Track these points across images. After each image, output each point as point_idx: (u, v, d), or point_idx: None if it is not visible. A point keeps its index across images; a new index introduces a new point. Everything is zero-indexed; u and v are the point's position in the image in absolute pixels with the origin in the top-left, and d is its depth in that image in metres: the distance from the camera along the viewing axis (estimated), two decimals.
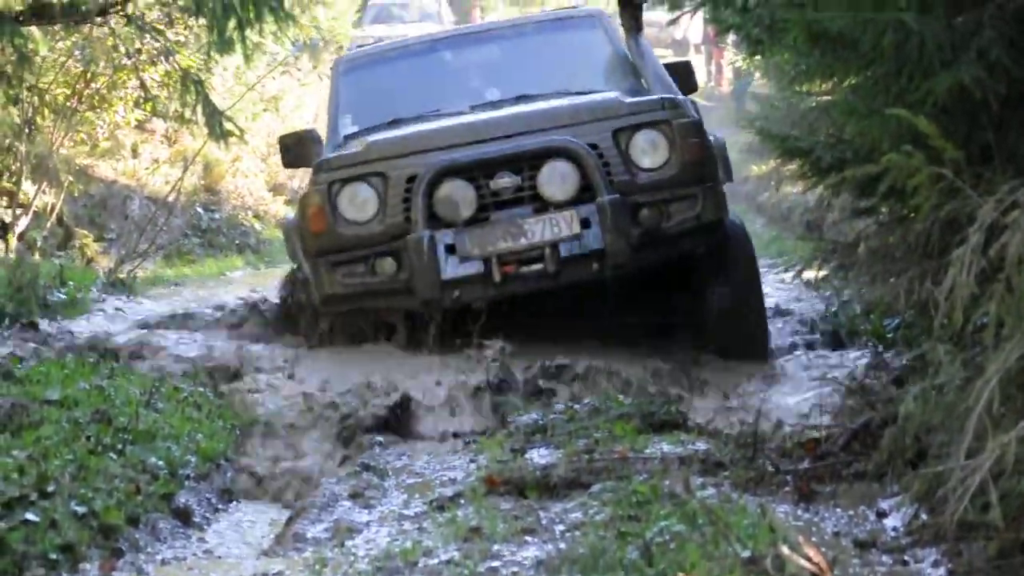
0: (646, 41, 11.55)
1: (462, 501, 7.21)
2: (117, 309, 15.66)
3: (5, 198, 18.27)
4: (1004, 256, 6.12)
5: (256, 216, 27.17)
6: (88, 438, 8.21)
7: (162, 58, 14.54)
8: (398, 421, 9.30)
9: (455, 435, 9.08)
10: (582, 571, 5.68)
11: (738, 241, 10.40)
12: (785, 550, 5.22)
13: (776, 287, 13.72)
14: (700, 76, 16.63)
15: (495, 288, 9.77)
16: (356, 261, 9.97)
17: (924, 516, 6.35)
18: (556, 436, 8.40)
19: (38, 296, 14.65)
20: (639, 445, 7.88)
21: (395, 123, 11.11)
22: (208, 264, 23.17)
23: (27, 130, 15.84)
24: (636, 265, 9.82)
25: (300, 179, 24.16)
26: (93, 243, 21.24)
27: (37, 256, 18.36)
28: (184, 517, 7.37)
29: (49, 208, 19.19)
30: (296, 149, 11.34)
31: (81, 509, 6.93)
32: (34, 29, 13.41)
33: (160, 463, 7.85)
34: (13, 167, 16.92)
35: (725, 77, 44.67)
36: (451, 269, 9.74)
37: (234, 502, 8.31)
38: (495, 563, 6.23)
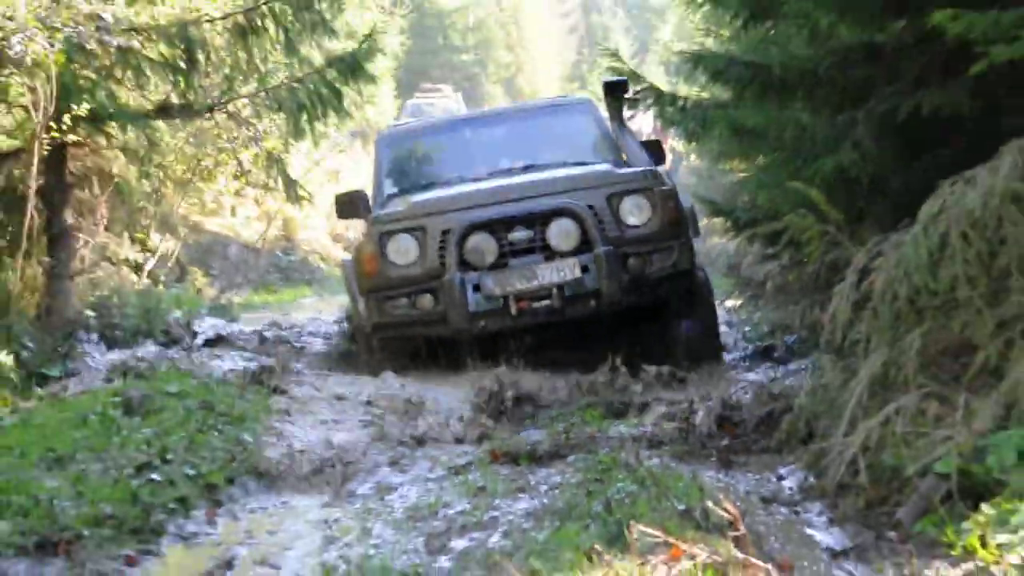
0: (627, 124, 11.39)
1: (472, 468, 7.22)
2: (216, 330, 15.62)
3: (138, 245, 18.28)
4: (871, 291, 6.17)
5: (321, 258, 27.36)
6: (196, 421, 8.23)
7: (253, 143, 14.48)
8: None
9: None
10: (560, 520, 5.67)
11: (704, 284, 10.18)
12: (710, 504, 5.26)
13: None
14: None
15: (512, 320, 9.54)
16: (401, 296, 9.75)
17: (812, 479, 6.36)
18: (541, 421, 8.48)
19: (162, 317, 14.72)
20: (603, 427, 7.91)
21: (428, 186, 10.92)
22: (285, 293, 23.30)
23: (155, 196, 15.84)
24: (625, 303, 9.61)
25: (353, 229, 24.08)
26: (202, 278, 21.31)
27: (160, 287, 18.41)
28: (266, 478, 7.37)
29: (170, 252, 19.23)
30: (348, 205, 11.15)
31: (191, 472, 6.98)
32: (160, 123, 13.42)
33: (249, 439, 7.84)
34: (144, 223, 16.93)
35: (668, 156, 44.59)
36: (477, 304, 9.52)
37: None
38: (495, 513, 6.23)
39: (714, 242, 20.36)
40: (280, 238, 26.17)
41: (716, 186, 14.96)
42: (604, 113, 11.63)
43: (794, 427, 6.79)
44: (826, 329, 6.42)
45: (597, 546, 4.79)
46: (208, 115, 13.54)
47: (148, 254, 18.52)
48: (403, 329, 9.96)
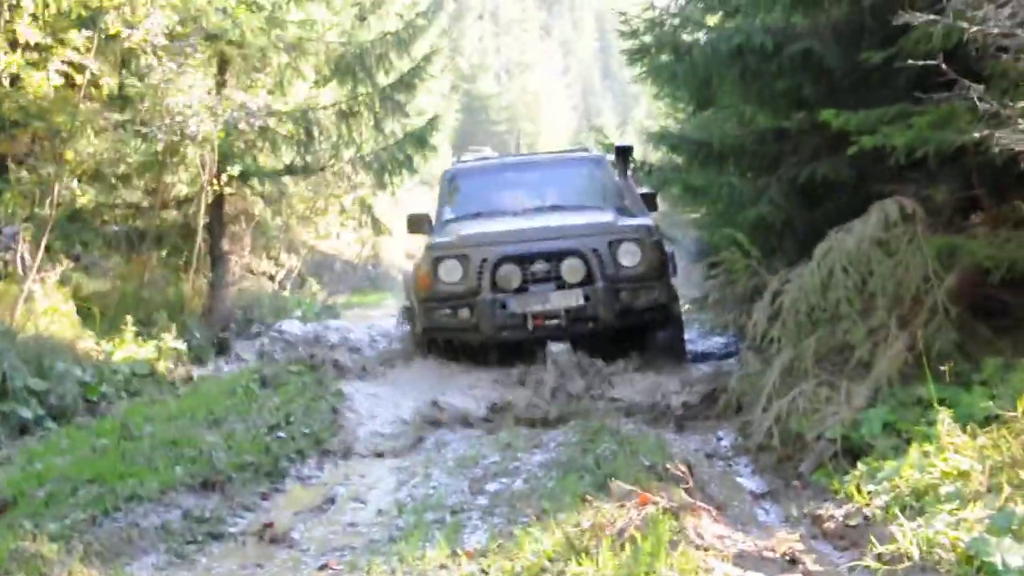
0: (631, 178, 10.64)
1: (502, 431, 7.19)
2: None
3: (272, 261, 18.27)
4: (781, 307, 6.12)
5: (398, 270, 27.26)
6: (310, 393, 8.20)
7: (352, 191, 14.50)
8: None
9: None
10: (563, 471, 5.61)
11: (676, 309, 9.50)
12: (668, 464, 5.22)
13: None
14: None
15: (528, 333, 8.94)
16: (446, 307, 9.20)
17: (740, 440, 6.33)
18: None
19: (288, 314, 14.75)
20: (594, 403, 7.80)
21: (476, 215, 10.13)
22: (373, 296, 23.24)
23: (284, 227, 15.86)
24: (617, 325, 9.02)
25: (419, 246, 24.06)
26: (316, 285, 21.26)
27: (287, 293, 18.42)
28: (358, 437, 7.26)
29: (294, 267, 19.22)
30: (415, 224, 10.61)
31: (306, 431, 6.94)
32: (287, 178, 13.46)
33: (347, 409, 7.78)
34: (276, 246, 16.94)
35: None
36: (503, 319, 8.97)
37: None
38: (518, 463, 6.20)
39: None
40: (371, 256, 26.11)
41: (676, 223, 14.73)
42: (613, 168, 10.84)
43: (728, 403, 6.74)
44: (749, 333, 6.37)
45: (588, 494, 4.76)
46: (321, 172, 13.54)
47: (279, 268, 18.54)
48: (445, 333, 9.41)
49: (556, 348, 8.31)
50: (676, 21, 8.93)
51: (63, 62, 9.12)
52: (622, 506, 4.34)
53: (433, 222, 10.45)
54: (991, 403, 4.86)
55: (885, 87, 6.84)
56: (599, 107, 75.25)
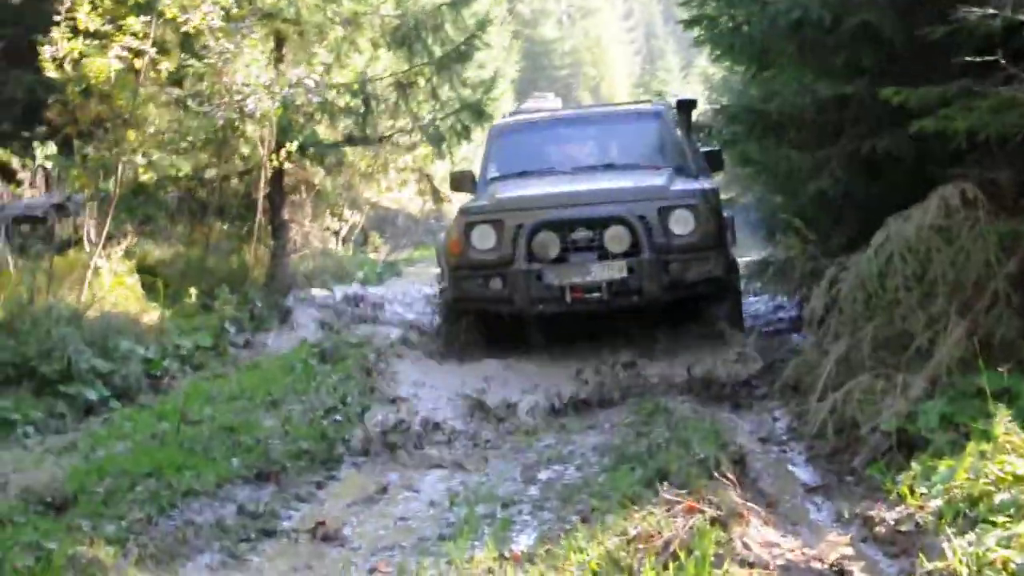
0: (693, 134, 10.02)
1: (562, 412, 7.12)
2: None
3: (336, 218, 18.32)
4: (838, 295, 6.02)
5: None
6: (368, 368, 8.26)
7: (410, 161, 14.48)
8: None
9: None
10: (616, 459, 5.59)
11: (732, 281, 8.83)
12: (721, 456, 5.17)
13: None
14: None
15: (566, 306, 8.38)
16: (478, 277, 8.56)
17: (795, 425, 6.25)
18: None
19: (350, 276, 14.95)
20: (650, 382, 7.57)
21: (522, 174, 9.49)
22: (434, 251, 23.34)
23: (346, 184, 15.79)
24: (665, 299, 8.44)
25: None
26: (378, 239, 21.37)
27: (351, 250, 18.53)
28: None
29: (357, 222, 19.30)
30: (458, 182, 10.06)
31: (361, 412, 7.01)
32: (346, 149, 13.50)
33: (402, 392, 7.77)
34: (340, 203, 16.91)
35: None
36: (538, 291, 8.36)
37: None
38: (572, 446, 6.22)
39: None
40: (433, 210, 26.07)
41: (736, 178, 14.25)
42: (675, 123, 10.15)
43: (784, 387, 6.64)
44: (805, 321, 6.29)
45: (637, 493, 4.74)
46: (379, 143, 13.55)
47: (343, 224, 18.65)
48: (476, 304, 8.78)
49: None
50: None
51: (122, 47, 9.19)
52: (669, 510, 4.33)
53: (476, 180, 9.88)
54: None
55: (947, 59, 6.64)
56: (662, 51, 74.39)
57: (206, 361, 9.21)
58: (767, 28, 7.52)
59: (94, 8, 9.19)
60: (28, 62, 11.30)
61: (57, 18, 9.25)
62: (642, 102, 11.89)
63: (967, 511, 4.12)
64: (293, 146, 11.64)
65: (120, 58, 9.25)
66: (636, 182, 8.89)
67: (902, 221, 5.83)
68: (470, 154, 19.69)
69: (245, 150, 12.38)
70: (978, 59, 4.77)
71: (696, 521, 4.03)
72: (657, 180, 8.85)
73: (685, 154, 9.53)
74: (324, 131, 13.43)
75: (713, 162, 9.67)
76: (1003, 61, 4.63)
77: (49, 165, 12.52)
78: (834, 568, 3.91)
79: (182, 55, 10.75)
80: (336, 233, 18.52)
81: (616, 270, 8.32)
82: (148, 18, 9.48)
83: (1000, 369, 5.10)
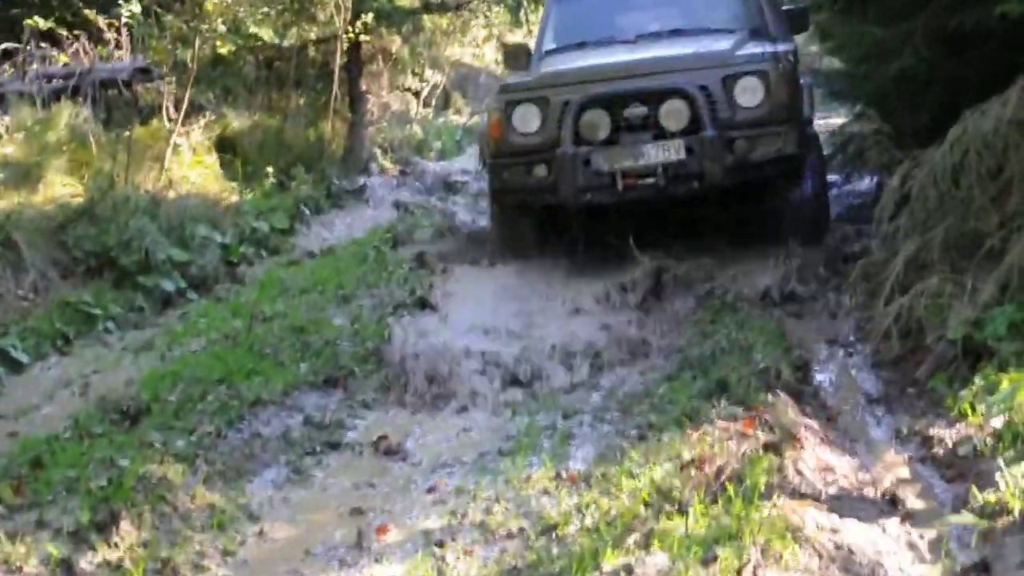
0: None
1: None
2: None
3: (416, 78, 18.12)
4: (910, 192, 5.87)
5: None
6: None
7: (487, 28, 14.29)
8: None
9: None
10: (679, 364, 5.57)
11: (812, 161, 7.78)
12: (783, 367, 5.15)
13: None
14: None
15: (617, 195, 7.45)
16: (520, 165, 7.65)
17: (865, 325, 6.15)
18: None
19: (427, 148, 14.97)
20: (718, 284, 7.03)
21: (581, 45, 8.47)
22: None
23: (427, 43, 15.52)
24: (727, 184, 7.44)
25: None
26: (460, 100, 21.16)
27: (430, 113, 18.34)
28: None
29: (439, 82, 19.09)
30: (512, 56, 9.12)
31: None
32: (424, 16, 13.34)
33: None
34: (421, 63, 16.65)
35: None
36: (586, 179, 7.43)
37: None
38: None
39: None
40: None
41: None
42: None
43: (852, 289, 6.47)
44: (875, 219, 6.14)
45: (696, 406, 4.76)
46: (457, 9, 13.38)
47: (424, 84, 18.48)
48: (518, 195, 7.92)
49: None
50: None
51: None
52: (726, 429, 4.35)
53: (532, 54, 8.94)
54: None
55: None
56: None
57: (282, 244, 9.35)
58: None
59: None
60: None
61: None
62: None
63: None
64: (369, 17, 11.53)
65: None
66: (700, 47, 7.94)
67: (979, 115, 5.61)
68: None
69: (322, 16, 12.26)
70: None
71: (749, 448, 4.05)
72: (723, 44, 7.90)
73: (763, 13, 8.58)
74: None
75: (797, 22, 8.61)
76: None
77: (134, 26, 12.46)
78: (886, 497, 3.89)
79: None
80: (417, 95, 18.36)
81: (673, 151, 7.40)
82: None
83: None
